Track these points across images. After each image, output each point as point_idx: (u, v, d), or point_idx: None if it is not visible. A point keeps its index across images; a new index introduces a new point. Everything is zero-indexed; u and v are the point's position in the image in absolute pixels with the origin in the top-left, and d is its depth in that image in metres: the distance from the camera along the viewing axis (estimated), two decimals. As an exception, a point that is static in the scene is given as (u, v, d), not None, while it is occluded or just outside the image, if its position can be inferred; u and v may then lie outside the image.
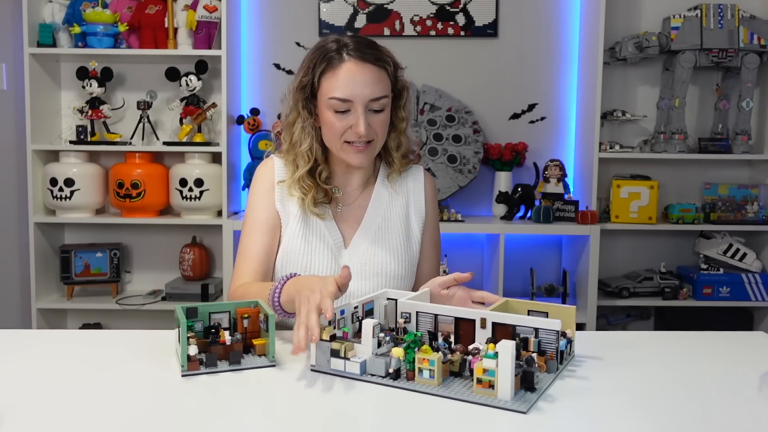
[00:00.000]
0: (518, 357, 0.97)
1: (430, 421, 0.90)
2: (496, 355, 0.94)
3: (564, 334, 1.10)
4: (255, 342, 1.10)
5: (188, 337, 1.06)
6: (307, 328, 1.02)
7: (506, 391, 0.92)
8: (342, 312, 1.11)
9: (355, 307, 1.14)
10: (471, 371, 0.99)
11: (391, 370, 1.00)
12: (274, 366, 1.07)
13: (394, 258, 1.43)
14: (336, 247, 1.42)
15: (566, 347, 1.09)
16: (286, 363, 1.09)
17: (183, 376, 1.03)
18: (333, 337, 1.05)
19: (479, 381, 0.94)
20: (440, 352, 1.00)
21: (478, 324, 1.07)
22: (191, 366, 1.04)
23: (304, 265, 1.40)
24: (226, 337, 1.08)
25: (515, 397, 0.93)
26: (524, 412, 0.90)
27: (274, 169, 1.47)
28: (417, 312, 1.12)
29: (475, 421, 0.89)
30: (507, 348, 0.92)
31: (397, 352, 1.00)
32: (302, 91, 1.39)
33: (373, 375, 1.02)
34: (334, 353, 1.03)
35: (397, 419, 0.91)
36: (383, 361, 1.01)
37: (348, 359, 1.02)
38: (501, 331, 1.05)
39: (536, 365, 0.97)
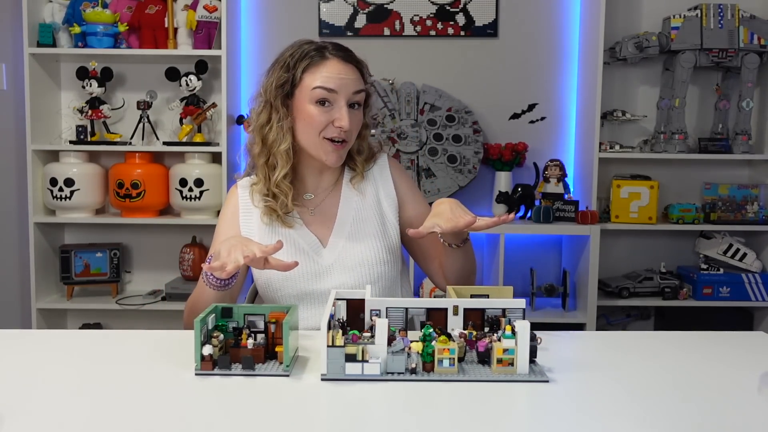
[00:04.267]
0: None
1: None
2: (513, 335, 1.01)
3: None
4: (278, 349, 1.07)
5: (211, 336, 1.06)
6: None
7: (525, 366, 1.01)
8: (332, 316, 1.10)
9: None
10: (479, 354, 1.06)
11: (413, 365, 1.02)
12: (287, 375, 1.04)
13: (372, 246, 1.45)
14: (313, 249, 1.44)
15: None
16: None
17: (196, 374, 1.03)
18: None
19: (499, 361, 1.02)
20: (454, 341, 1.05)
21: (450, 311, 1.11)
22: (204, 366, 1.03)
23: (284, 274, 1.40)
24: (248, 341, 1.06)
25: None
26: (547, 381, 1.00)
27: (237, 193, 1.52)
28: (387, 308, 1.13)
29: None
30: (524, 327, 1.00)
31: (416, 346, 1.04)
32: (281, 88, 1.41)
33: (390, 373, 1.02)
34: (350, 358, 1.01)
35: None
36: (402, 358, 1.02)
37: (367, 361, 1.01)
38: (473, 316, 1.11)
39: (538, 339, 1.06)
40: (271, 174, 1.43)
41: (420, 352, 1.03)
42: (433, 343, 1.03)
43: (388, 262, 1.46)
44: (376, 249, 1.45)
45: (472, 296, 1.21)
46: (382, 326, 1.01)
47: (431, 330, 1.04)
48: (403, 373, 1.02)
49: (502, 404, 0.94)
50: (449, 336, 1.04)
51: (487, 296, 1.21)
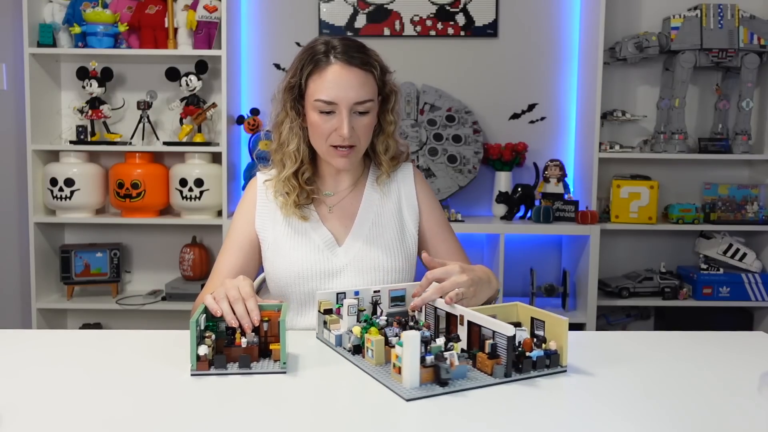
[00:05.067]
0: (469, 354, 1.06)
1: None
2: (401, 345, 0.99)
3: (541, 344, 1.07)
4: (272, 347, 1.08)
5: (204, 337, 1.06)
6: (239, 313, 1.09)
7: (408, 378, 0.97)
8: (356, 293, 1.21)
9: (376, 291, 1.23)
10: None
11: (349, 345, 1.13)
12: (284, 373, 1.05)
13: (389, 253, 1.44)
14: (328, 247, 1.44)
15: (541, 357, 1.04)
16: (298, 370, 1.07)
17: (192, 375, 1.03)
18: (329, 311, 1.21)
19: (395, 366, 1.01)
20: (386, 336, 1.09)
21: (458, 320, 1.12)
22: (200, 366, 1.03)
23: (296, 271, 1.41)
24: (242, 339, 1.07)
25: (422, 387, 0.97)
26: (405, 399, 0.94)
27: (256, 185, 1.51)
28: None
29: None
30: (410, 338, 0.96)
31: (356, 330, 1.12)
32: (290, 91, 1.41)
33: (345, 348, 1.16)
34: (325, 324, 1.21)
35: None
36: (347, 337, 1.14)
37: (330, 331, 1.18)
38: (474, 330, 1.09)
39: (447, 361, 0.99)
40: (281, 171, 1.45)
41: (359, 335, 1.12)
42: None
43: (404, 270, 1.46)
44: (393, 256, 1.44)
45: (533, 320, 1.14)
46: (345, 305, 1.17)
47: (369, 318, 1.15)
48: (349, 350, 1.13)
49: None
50: (384, 332, 1.10)
51: (543, 323, 1.11)
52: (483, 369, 1.04)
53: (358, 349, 1.12)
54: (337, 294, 1.22)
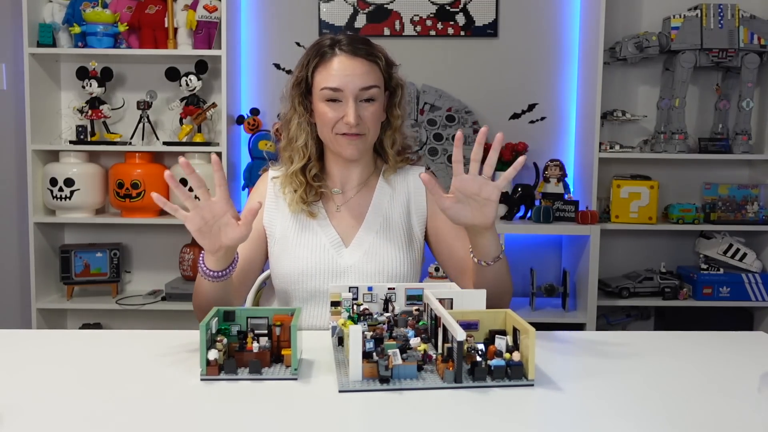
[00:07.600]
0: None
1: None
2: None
3: (500, 353, 1.01)
4: (284, 352, 1.05)
5: (215, 341, 1.05)
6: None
7: (351, 371, 0.99)
8: (369, 288, 1.19)
9: (391, 288, 1.20)
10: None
11: (334, 338, 1.16)
12: (295, 379, 1.02)
13: (397, 257, 1.44)
14: (334, 246, 1.43)
15: (500, 367, 0.99)
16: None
17: (202, 380, 1.01)
18: (336, 303, 1.17)
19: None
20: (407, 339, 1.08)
21: (438, 322, 1.12)
22: (210, 370, 1.01)
23: (301, 269, 1.41)
24: (254, 344, 1.05)
25: (363, 381, 0.99)
26: (340, 391, 0.97)
27: (267, 180, 1.51)
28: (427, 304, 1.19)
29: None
30: (354, 331, 0.98)
31: (341, 322, 1.12)
32: (297, 87, 1.43)
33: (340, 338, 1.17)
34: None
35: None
36: (336, 329, 1.16)
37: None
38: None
39: (386, 357, 0.99)
40: (289, 167, 1.46)
41: (344, 328, 1.11)
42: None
43: (408, 276, 1.45)
44: (399, 261, 1.43)
45: (515, 329, 1.08)
46: (342, 298, 1.18)
47: (350, 312, 1.15)
48: (339, 343, 1.16)
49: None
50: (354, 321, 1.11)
51: (504, 332, 1.09)
52: (440, 372, 1.01)
53: (341, 341, 1.14)
54: (350, 288, 1.19)
